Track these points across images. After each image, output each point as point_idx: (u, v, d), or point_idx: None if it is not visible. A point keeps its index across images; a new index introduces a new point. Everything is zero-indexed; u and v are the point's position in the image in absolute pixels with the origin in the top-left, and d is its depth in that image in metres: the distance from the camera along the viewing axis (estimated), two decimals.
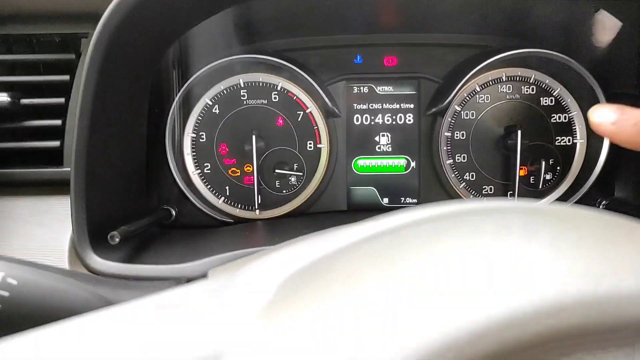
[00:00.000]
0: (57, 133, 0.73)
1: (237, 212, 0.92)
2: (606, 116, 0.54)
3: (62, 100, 0.72)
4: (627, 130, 0.52)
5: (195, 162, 0.91)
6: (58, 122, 0.72)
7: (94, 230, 0.68)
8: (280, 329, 0.20)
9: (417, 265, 0.19)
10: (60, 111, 0.73)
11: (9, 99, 0.70)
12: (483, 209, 0.21)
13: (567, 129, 0.89)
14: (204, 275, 0.55)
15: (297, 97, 0.90)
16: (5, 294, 0.41)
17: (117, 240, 0.66)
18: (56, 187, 0.73)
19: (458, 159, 0.91)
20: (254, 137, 0.88)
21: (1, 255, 0.43)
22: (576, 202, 0.89)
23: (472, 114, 0.89)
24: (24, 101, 0.72)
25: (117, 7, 0.59)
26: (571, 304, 0.15)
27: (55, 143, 0.72)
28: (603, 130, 0.54)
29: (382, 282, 0.18)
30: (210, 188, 0.92)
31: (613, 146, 0.87)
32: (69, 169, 0.70)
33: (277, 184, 0.92)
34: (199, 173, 0.91)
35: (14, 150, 0.74)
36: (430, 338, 0.15)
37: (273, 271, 0.25)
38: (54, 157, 0.75)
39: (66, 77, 0.72)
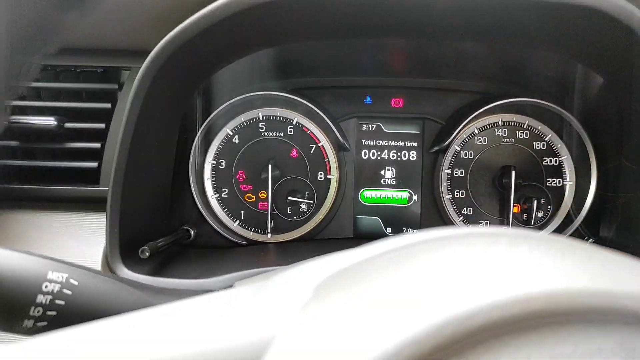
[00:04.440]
0: (96, 155, 0.80)
1: (251, 235, 0.98)
2: None
3: (102, 125, 0.80)
4: None
5: (214, 187, 0.98)
6: (97, 145, 0.80)
7: (125, 245, 0.75)
8: (317, 318, 0.27)
9: (404, 275, 0.26)
10: (99, 135, 0.80)
11: (55, 122, 0.77)
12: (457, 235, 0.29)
13: (558, 171, 0.97)
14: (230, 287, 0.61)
15: (310, 131, 0.98)
16: (69, 292, 0.48)
17: (147, 254, 0.73)
18: (90, 204, 0.80)
19: (457, 194, 0.98)
20: (269, 166, 0.96)
21: (63, 260, 0.50)
22: None
23: (471, 153, 0.97)
24: (68, 125, 0.79)
25: (164, 47, 0.67)
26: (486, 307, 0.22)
27: (94, 164, 0.80)
28: None
29: (385, 284, 0.26)
30: (226, 211, 0.99)
31: (599, 189, 0.95)
32: (105, 187, 0.78)
33: (288, 210, 0.99)
34: (217, 197, 0.98)
35: (54, 169, 0.81)
36: (411, 330, 0.22)
37: (308, 277, 0.32)
38: (89, 177, 0.82)
39: (108, 105, 0.80)
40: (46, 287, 0.47)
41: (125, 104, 0.75)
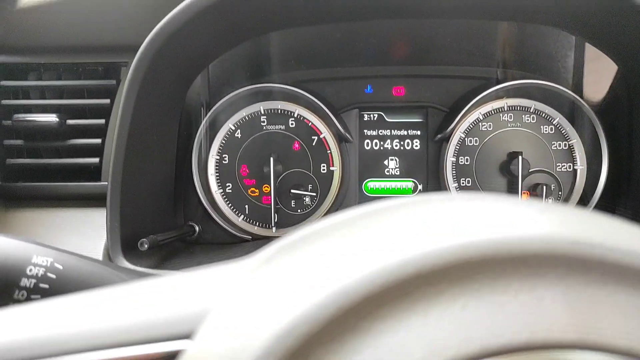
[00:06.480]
0: (97, 151, 0.82)
1: (255, 229, 0.98)
2: None
3: (102, 121, 0.81)
4: None
5: (218, 182, 0.99)
6: (98, 141, 0.81)
7: (126, 239, 0.76)
8: (265, 279, 0.26)
9: (352, 237, 0.25)
10: (100, 132, 0.82)
11: (57, 120, 0.79)
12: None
13: (568, 156, 0.93)
14: None
15: (312, 123, 0.98)
16: (53, 276, 0.48)
17: (146, 246, 0.73)
18: (93, 200, 0.81)
19: (463, 183, 0.96)
20: (272, 159, 0.96)
21: (49, 245, 0.50)
22: None
23: (476, 140, 0.95)
24: (70, 122, 0.81)
25: (152, 40, 0.68)
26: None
27: (95, 160, 0.81)
28: None
29: (325, 247, 0.25)
30: (231, 206, 0.99)
31: (612, 173, 0.91)
32: (106, 183, 0.79)
33: (292, 203, 0.99)
34: (221, 192, 0.99)
35: (57, 167, 0.83)
36: (355, 279, 0.21)
37: (266, 250, 0.32)
38: (92, 174, 0.83)
39: (107, 101, 0.81)
40: (30, 270, 0.48)
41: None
